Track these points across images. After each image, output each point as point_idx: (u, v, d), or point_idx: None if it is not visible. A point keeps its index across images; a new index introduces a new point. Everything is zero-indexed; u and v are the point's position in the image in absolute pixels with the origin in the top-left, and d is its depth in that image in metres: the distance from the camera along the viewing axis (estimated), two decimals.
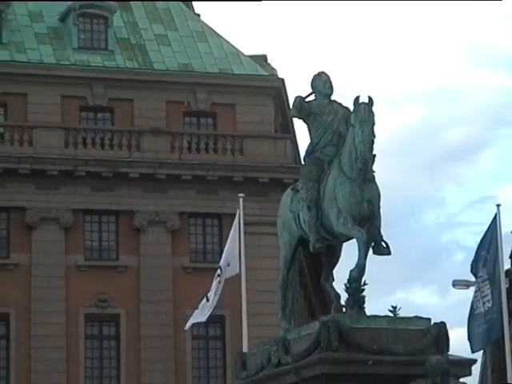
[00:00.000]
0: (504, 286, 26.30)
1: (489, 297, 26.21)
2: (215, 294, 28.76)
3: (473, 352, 26.73)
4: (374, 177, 18.08)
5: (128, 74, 52.62)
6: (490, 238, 26.51)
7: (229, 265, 28.72)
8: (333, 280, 18.61)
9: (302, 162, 20.07)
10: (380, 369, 16.55)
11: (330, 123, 18.41)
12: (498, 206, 27.61)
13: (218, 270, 28.85)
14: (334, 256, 18.69)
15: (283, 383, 17.66)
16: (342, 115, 18.41)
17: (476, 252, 27.06)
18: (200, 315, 29.57)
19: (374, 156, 17.76)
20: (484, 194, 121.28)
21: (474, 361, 19.33)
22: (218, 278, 28.71)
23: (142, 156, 50.03)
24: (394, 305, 18.52)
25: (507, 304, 27.73)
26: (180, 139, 51.02)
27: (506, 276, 29.25)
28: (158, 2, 55.35)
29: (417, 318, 17.95)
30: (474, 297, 27.43)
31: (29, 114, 50.68)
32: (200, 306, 29.61)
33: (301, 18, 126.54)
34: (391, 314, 17.84)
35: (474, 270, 27.04)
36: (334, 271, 18.92)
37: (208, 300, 29.12)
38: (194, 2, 60.36)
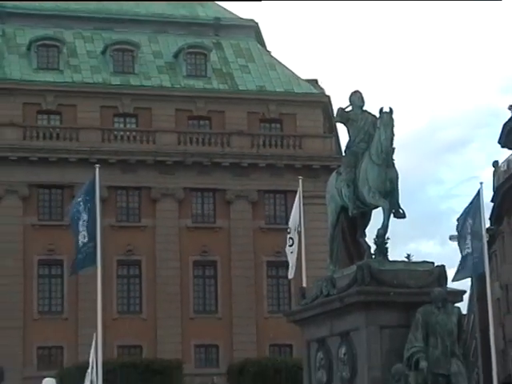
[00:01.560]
0: (485, 237, 25.57)
1: (469, 245, 25.53)
2: (291, 262, 28.16)
3: (452, 281, 25.47)
4: (394, 163, 17.63)
5: (221, 93, 53.46)
6: (475, 206, 25.78)
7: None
8: (365, 236, 18.37)
9: (343, 154, 19.77)
10: (399, 298, 16.36)
11: (362, 126, 18.10)
12: (481, 183, 27.20)
13: (288, 229, 28.58)
14: (365, 219, 18.44)
15: (330, 308, 17.40)
16: (370, 120, 18.08)
17: (462, 215, 26.08)
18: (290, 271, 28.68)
19: (394, 149, 17.44)
20: (471, 175, 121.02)
21: (464, 291, 19.07)
22: (290, 249, 27.94)
23: (231, 150, 50.84)
24: (408, 253, 18.18)
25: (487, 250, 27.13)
26: (257, 138, 51.93)
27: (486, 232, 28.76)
28: (241, 43, 55.65)
29: (424, 262, 17.61)
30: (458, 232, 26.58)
31: (153, 122, 52.19)
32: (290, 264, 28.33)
33: (343, 47, 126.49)
34: (406, 260, 17.56)
35: (459, 227, 26.04)
36: (366, 230, 18.66)
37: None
38: (266, 42, 60.34)
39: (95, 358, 22.84)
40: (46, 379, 27.20)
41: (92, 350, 24.16)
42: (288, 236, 28.30)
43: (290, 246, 27.98)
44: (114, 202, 48.37)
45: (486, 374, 28.01)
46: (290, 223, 28.86)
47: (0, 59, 50.99)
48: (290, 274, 28.67)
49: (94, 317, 22.87)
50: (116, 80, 52.19)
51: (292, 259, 28.02)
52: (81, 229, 21.91)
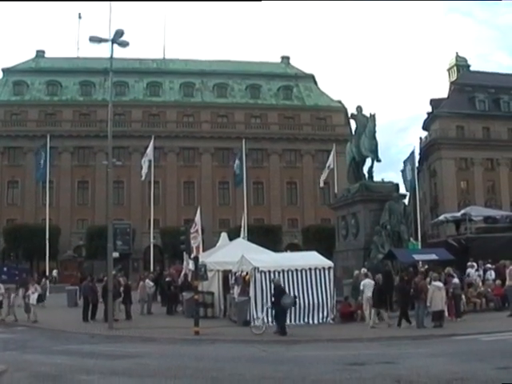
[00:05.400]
0: (415, 170, 42.66)
1: (408, 174, 42.17)
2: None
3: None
4: (375, 137, 32.34)
5: None
6: (412, 156, 42.83)
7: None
8: (363, 170, 33.70)
9: (353, 133, 35.71)
10: (378, 197, 30.76)
11: (361, 120, 33.40)
12: (414, 146, 46.27)
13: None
14: (363, 163, 33.55)
15: (348, 202, 32.60)
16: (365, 118, 32.99)
17: (406, 160, 43.52)
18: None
19: (376, 131, 32.43)
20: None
21: (406, 195, 35.40)
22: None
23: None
24: (383, 178, 33.59)
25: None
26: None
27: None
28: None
29: (389, 182, 33.12)
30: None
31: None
32: None
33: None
34: (381, 180, 33.04)
35: (404, 166, 43.12)
36: (364, 168, 33.91)
37: None
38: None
39: None
40: None
41: None
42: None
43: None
44: None
45: (416, 230, 42.82)
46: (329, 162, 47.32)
47: None
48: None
49: None
50: None
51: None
52: None
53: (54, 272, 55.59)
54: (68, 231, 67.26)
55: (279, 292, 22.35)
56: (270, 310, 22.76)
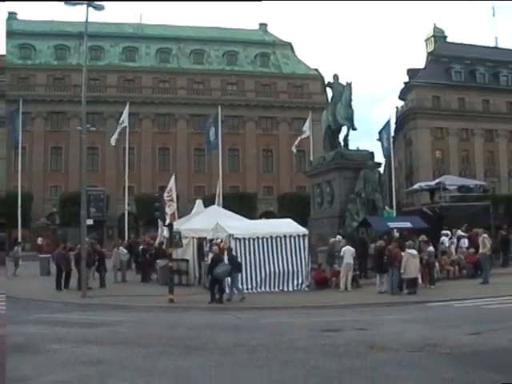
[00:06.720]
0: (391, 139, 42.76)
1: (385, 143, 42.22)
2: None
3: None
4: (351, 106, 32.37)
5: None
6: (388, 125, 42.73)
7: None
8: (338, 138, 33.88)
9: (329, 101, 35.44)
10: (353, 165, 30.84)
11: (337, 88, 33.41)
12: (390, 115, 44.90)
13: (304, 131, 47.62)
14: (339, 131, 33.69)
15: (323, 170, 32.60)
16: (340, 87, 33.07)
17: (381, 129, 43.23)
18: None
19: (352, 100, 32.40)
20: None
21: (381, 163, 34.79)
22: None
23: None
24: (358, 146, 33.60)
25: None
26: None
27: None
28: None
29: (365, 150, 33.06)
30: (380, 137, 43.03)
31: None
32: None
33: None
34: (356, 149, 33.16)
35: (380, 134, 42.96)
36: (340, 136, 34.07)
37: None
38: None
39: None
40: None
41: None
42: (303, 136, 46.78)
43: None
44: None
45: (391, 198, 43.31)
46: (304, 128, 47.21)
47: None
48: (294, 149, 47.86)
49: None
50: None
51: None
52: None
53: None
54: (41, 198, 66.66)
55: (216, 261, 22.26)
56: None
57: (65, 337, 14.72)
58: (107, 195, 61.29)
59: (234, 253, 23.74)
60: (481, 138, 77.57)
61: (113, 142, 47.44)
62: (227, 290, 22.75)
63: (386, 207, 32.97)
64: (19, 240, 45.02)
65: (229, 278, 22.74)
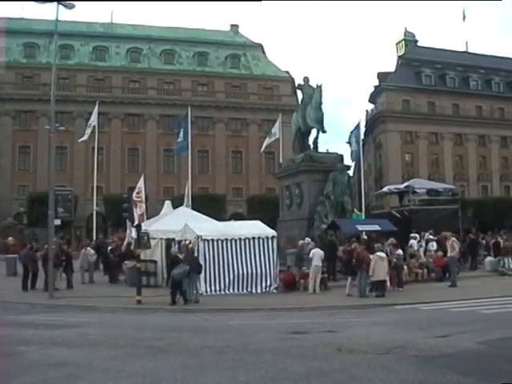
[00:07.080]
0: (360, 143, 43.51)
1: (354, 146, 42.54)
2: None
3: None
4: (321, 109, 32.48)
5: None
6: (357, 128, 42.98)
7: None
8: (308, 141, 33.88)
9: (299, 103, 35.42)
10: (323, 168, 30.85)
11: (307, 91, 33.44)
12: (360, 119, 46.31)
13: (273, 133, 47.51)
14: (308, 133, 33.71)
15: (292, 172, 32.55)
16: (311, 89, 33.08)
17: (351, 132, 43.71)
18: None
19: (322, 102, 32.46)
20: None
21: (350, 166, 35.00)
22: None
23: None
24: (327, 149, 33.68)
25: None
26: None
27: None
28: None
29: (334, 152, 33.14)
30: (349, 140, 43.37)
31: None
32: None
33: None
34: (326, 151, 33.25)
35: (350, 138, 43.54)
36: (309, 138, 34.05)
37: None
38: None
39: None
40: None
41: None
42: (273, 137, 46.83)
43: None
44: None
45: (360, 201, 45.20)
46: (274, 130, 47.17)
47: None
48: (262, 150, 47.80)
49: None
50: None
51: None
52: None
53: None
54: (8, 197, 66.05)
55: (173, 263, 22.20)
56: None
57: (31, 338, 14.50)
58: (75, 195, 60.16)
59: (202, 254, 23.67)
60: (450, 141, 78.39)
61: (80, 139, 47.24)
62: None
63: (355, 210, 33.32)
64: None
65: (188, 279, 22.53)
